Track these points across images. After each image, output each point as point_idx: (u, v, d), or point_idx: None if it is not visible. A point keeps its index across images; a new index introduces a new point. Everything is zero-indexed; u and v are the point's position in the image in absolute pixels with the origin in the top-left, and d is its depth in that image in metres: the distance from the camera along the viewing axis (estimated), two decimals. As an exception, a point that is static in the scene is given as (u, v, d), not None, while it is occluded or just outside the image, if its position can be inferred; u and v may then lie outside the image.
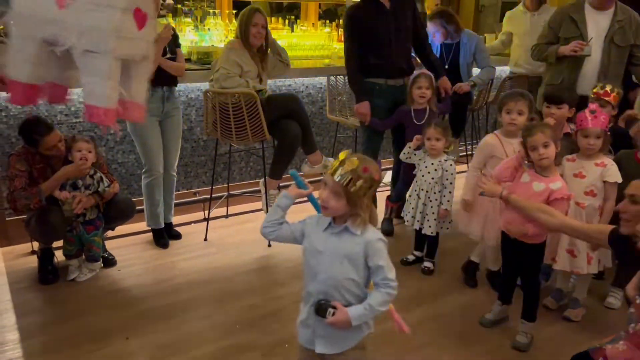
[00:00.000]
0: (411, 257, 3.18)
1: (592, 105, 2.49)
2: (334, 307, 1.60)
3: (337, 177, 1.54)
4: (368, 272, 1.63)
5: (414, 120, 3.26)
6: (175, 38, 3.18)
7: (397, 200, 3.53)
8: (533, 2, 4.43)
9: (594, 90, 2.89)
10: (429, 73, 3.33)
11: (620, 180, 2.45)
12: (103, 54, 1.79)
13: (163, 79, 3.06)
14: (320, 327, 1.66)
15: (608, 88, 2.84)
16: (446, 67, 4.07)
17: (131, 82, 1.96)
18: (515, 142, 2.59)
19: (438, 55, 4.08)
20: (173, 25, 4.37)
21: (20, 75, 1.89)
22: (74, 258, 2.93)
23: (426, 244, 3.12)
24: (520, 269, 2.44)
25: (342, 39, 3.53)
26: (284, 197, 1.71)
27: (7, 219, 3.21)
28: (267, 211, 3.40)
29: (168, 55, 3.09)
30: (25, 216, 2.87)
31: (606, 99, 2.83)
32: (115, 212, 2.99)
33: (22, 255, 3.18)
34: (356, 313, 1.60)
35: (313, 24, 5.44)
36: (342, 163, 1.56)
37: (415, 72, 3.33)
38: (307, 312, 1.69)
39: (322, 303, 1.61)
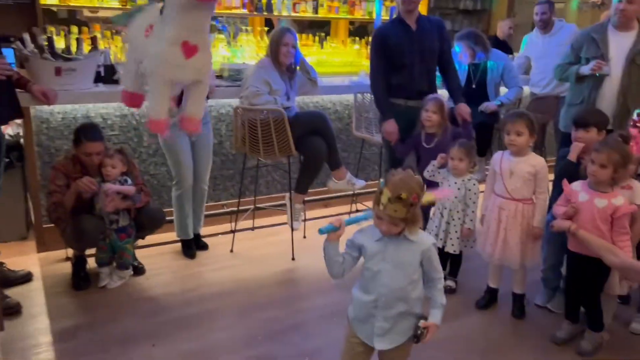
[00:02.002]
0: (434, 275, 3.20)
1: (634, 131, 2.50)
2: (425, 328, 1.78)
3: (392, 213, 1.67)
4: (421, 272, 1.81)
5: (423, 144, 3.24)
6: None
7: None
8: (541, 25, 4.53)
9: None
10: (440, 97, 3.23)
11: None
12: (153, 75, 2.23)
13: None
14: (378, 327, 1.81)
15: None
16: (473, 86, 4.11)
17: (188, 101, 2.39)
18: (514, 161, 2.69)
19: (465, 75, 4.11)
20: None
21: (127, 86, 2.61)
22: (105, 266, 3.05)
23: (449, 262, 3.14)
24: (585, 283, 2.48)
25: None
26: (329, 247, 1.81)
27: (44, 226, 3.36)
28: (291, 225, 3.47)
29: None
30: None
31: None
32: (146, 220, 3.10)
33: (57, 261, 3.32)
34: (439, 317, 1.81)
35: (343, 41, 5.54)
36: (391, 200, 1.65)
37: (429, 96, 3.25)
38: (365, 312, 1.83)
39: (419, 334, 1.78)
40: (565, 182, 2.49)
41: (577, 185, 2.45)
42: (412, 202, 1.66)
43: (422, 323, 1.78)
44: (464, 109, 3.36)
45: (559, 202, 2.54)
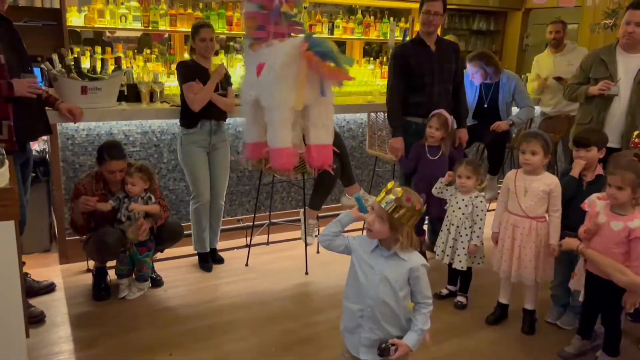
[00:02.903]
0: (445, 291, 3.25)
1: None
2: (394, 344, 1.81)
3: (382, 204, 1.76)
4: (408, 290, 1.85)
5: (427, 155, 3.37)
6: (227, 77, 3.43)
7: (419, 234, 3.61)
8: (554, 43, 4.64)
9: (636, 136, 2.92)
10: (445, 114, 3.35)
11: None
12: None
13: (212, 114, 3.29)
14: (364, 338, 1.86)
15: None
16: (485, 106, 4.18)
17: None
18: (529, 179, 2.73)
19: (477, 94, 4.19)
20: (225, 61, 4.65)
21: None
22: (125, 277, 3.14)
23: (459, 278, 3.19)
24: (602, 303, 2.49)
25: (387, 75, 3.69)
26: (346, 215, 1.94)
27: (66, 238, 3.49)
28: (305, 240, 3.55)
29: (219, 92, 3.32)
30: (83, 236, 3.14)
31: None
32: (166, 234, 3.21)
33: (79, 272, 3.43)
34: (414, 340, 1.83)
35: (357, 60, 5.66)
36: (388, 192, 1.77)
37: (434, 112, 3.37)
38: (353, 322, 1.89)
39: (383, 347, 1.82)
40: (591, 202, 2.48)
41: (600, 206, 2.46)
42: (403, 203, 1.74)
43: (391, 340, 1.82)
44: (463, 135, 3.55)
45: (585, 222, 2.53)
